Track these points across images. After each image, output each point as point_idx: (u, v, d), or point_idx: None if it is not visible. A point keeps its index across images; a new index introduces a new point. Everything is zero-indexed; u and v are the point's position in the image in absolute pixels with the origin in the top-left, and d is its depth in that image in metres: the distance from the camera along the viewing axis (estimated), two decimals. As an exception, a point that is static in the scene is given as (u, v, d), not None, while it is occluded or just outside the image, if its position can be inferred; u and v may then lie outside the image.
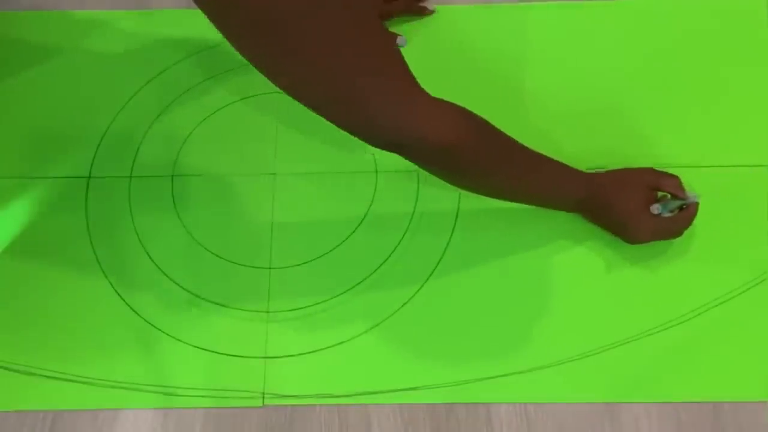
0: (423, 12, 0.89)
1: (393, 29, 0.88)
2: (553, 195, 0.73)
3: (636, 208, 0.72)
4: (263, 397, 0.71)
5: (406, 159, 0.61)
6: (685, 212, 0.72)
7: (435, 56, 0.87)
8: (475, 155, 0.62)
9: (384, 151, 0.82)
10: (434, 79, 0.85)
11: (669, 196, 0.73)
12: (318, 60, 0.51)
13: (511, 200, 0.72)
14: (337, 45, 0.51)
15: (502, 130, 0.65)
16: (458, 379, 0.71)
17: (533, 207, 0.78)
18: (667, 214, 0.71)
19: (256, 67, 0.54)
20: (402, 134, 0.57)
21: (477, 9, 0.90)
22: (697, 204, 0.72)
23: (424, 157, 0.61)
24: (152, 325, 0.74)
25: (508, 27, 0.89)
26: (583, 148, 0.81)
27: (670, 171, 0.77)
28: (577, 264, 0.76)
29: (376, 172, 0.81)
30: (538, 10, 0.89)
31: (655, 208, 0.71)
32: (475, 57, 0.87)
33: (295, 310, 0.74)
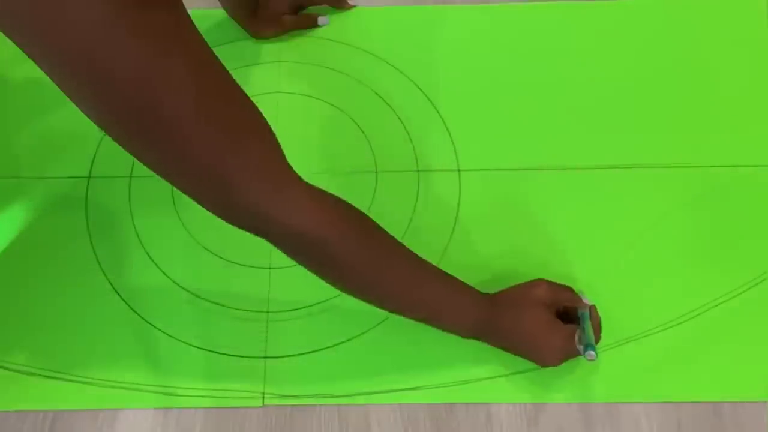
0: (341, 5, 0.89)
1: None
2: (444, 315, 0.66)
3: (535, 329, 0.67)
4: (263, 397, 0.71)
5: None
6: (592, 321, 0.68)
7: (435, 56, 0.87)
8: (346, 255, 0.57)
9: (384, 151, 0.83)
10: (434, 78, 0.85)
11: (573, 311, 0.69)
12: (178, 136, 0.46)
13: (393, 310, 0.64)
14: (200, 121, 0.46)
15: (384, 232, 0.60)
16: (458, 379, 0.71)
17: (533, 208, 0.78)
18: (582, 342, 0.65)
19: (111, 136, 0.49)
20: (265, 222, 0.53)
21: (477, 9, 0.90)
22: (594, 310, 0.69)
23: (289, 249, 0.56)
24: (152, 325, 0.74)
25: (509, 27, 0.89)
26: (582, 148, 0.81)
27: (671, 171, 0.77)
28: (577, 263, 0.76)
29: (376, 172, 0.81)
30: (538, 10, 0.89)
31: (581, 349, 0.64)
32: (475, 57, 0.87)
33: (295, 310, 0.74)
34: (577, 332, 0.67)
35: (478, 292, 0.67)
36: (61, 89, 0.46)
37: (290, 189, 0.53)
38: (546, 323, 0.67)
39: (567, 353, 0.68)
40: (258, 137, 0.52)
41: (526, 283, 0.70)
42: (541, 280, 0.70)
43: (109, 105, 0.46)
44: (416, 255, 0.63)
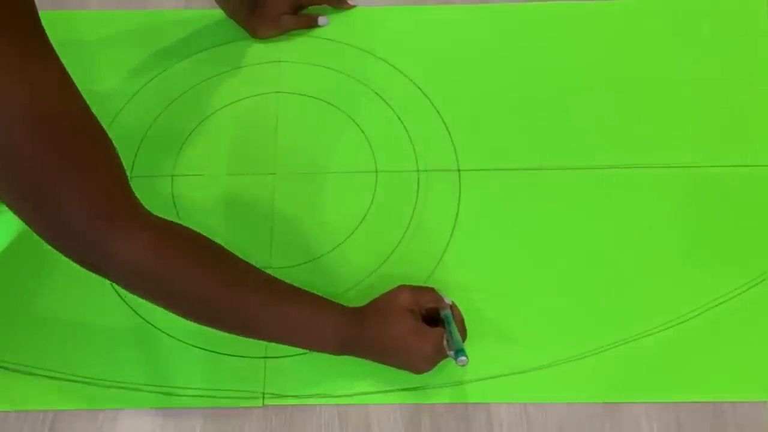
0: (341, 5, 0.89)
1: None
2: (303, 336, 0.64)
3: (405, 338, 0.65)
4: (263, 397, 0.71)
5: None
6: (458, 323, 0.68)
7: (435, 56, 0.87)
8: (183, 287, 0.56)
9: (384, 151, 0.83)
10: (434, 79, 0.85)
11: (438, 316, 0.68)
12: (9, 160, 0.45)
13: (247, 336, 0.64)
14: (35, 149, 0.45)
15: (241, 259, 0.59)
16: (458, 379, 0.71)
17: (533, 207, 0.78)
18: (452, 348, 0.64)
19: None
20: (92, 253, 0.51)
21: (477, 9, 0.90)
22: (455, 308, 0.68)
23: (123, 284, 0.55)
24: (152, 325, 0.74)
25: (509, 27, 0.89)
26: (582, 148, 0.81)
27: (671, 171, 0.77)
28: (577, 264, 0.76)
29: (376, 172, 0.81)
30: (538, 10, 0.89)
31: (452, 355, 0.63)
32: (475, 57, 0.87)
33: (295, 310, 0.74)
34: (445, 336, 0.65)
35: (342, 307, 0.66)
36: None
37: (125, 221, 0.52)
38: (413, 330, 0.65)
39: (437, 358, 0.66)
40: (99, 166, 0.50)
41: (388, 292, 0.68)
42: (402, 286, 0.68)
43: None
44: (269, 277, 0.62)
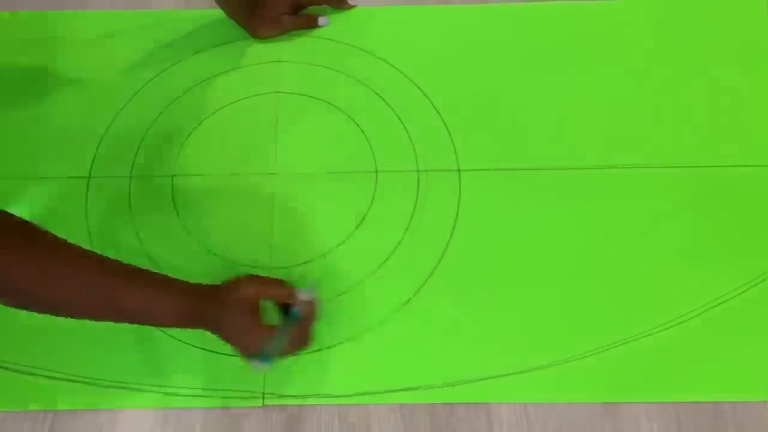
0: (341, 5, 0.90)
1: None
2: (143, 314, 0.64)
3: (235, 329, 0.64)
4: (263, 397, 0.71)
5: None
6: (299, 322, 0.66)
7: (435, 56, 0.87)
8: (23, 273, 0.56)
9: (384, 151, 0.83)
10: (434, 78, 0.85)
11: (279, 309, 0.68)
12: None
13: (91, 319, 0.64)
14: None
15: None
16: (458, 379, 0.71)
17: (533, 207, 0.78)
18: (284, 341, 0.64)
19: None
20: None
21: (477, 9, 0.90)
22: (313, 304, 0.67)
23: None
24: (152, 325, 0.74)
25: (509, 27, 0.89)
26: (582, 148, 0.81)
27: (671, 171, 0.77)
28: (577, 264, 0.76)
29: (376, 172, 0.81)
30: (538, 10, 0.89)
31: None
32: (475, 57, 0.87)
33: (295, 310, 0.74)
34: (275, 332, 0.64)
35: (185, 285, 0.65)
36: None
37: None
38: (242, 324, 0.64)
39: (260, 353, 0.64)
40: None
41: (234, 279, 0.66)
42: (251, 276, 0.67)
43: None
44: (105, 260, 0.62)
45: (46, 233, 0.60)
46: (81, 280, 0.60)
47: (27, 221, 0.59)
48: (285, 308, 0.67)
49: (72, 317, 0.63)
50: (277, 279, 0.69)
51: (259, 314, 0.65)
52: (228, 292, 0.65)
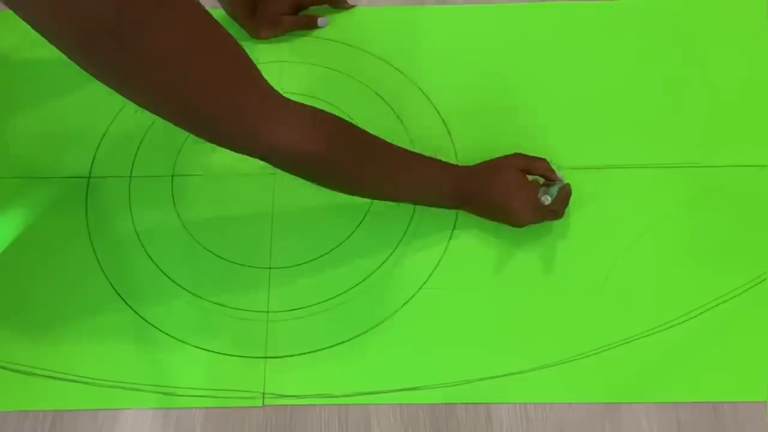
0: (341, 5, 0.90)
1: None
2: (426, 190, 0.73)
3: (510, 189, 0.73)
4: (263, 397, 0.71)
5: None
6: (562, 194, 0.73)
7: (435, 56, 0.87)
8: (336, 162, 0.63)
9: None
10: (434, 79, 0.85)
11: (541, 181, 0.75)
12: (172, 69, 0.50)
13: (384, 199, 0.74)
14: (192, 54, 0.51)
15: (374, 134, 0.67)
16: (458, 379, 0.71)
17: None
18: (554, 199, 0.71)
19: (105, 81, 0.52)
20: (259, 146, 0.58)
21: (477, 9, 0.90)
22: (568, 185, 0.74)
23: (286, 166, 0.63)
24: (152, 325, 0.74)
25: (508, 27, 0.89)
26: (582, 148, 0.81)
27: (671, 171, 0.77)
28: (577, 264, 0.76)
29: (376, 172, 0.81)
30: (538, 10, 0.89)
31: (545, 199, 0.70)
32: (475, 57, 0.87)
33: (295, 310, 0.74)
34: (541, 188, 0.72)
35: (455, 165, 0.75)
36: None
37: (278, 112, 0.58)
38: (516, 183, 0.73)
39: (539, 212, 0.73)
40: (244, 69, 0.56)
41: (503, 156, 0.75)
42: (517, 153, 0.75)
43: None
44: (393, 145, 0.69)
45: (361, 131, 0.67)
46: (386, 164, 0.69)
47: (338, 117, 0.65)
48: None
49: (369, 196, 0.74)
50: (539, 156, 0.75)
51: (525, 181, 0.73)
52: (498, 163, 0.74)
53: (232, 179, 0.81)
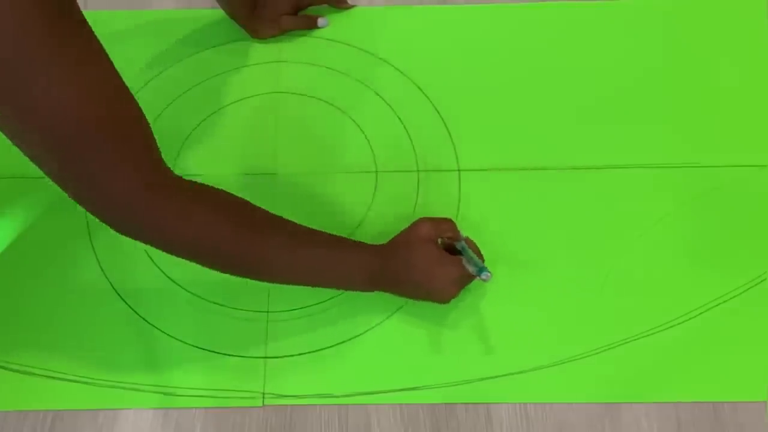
0: (341, 5, 0.90)
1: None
2: (334, 276, 0.68)
3: (431, 269, 0.68)
4: (263, 397, 0.71)
5: None
6: (474, 250, 0.72)
7: (435, 56, 0.87)
8: (220, 245, 0.60)
9: (384, 152, 0.83)
10: (434, 78, 0.85)
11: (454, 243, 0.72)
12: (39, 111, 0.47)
13: (283, 283, 0.67)
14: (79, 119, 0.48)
15: (267, 210, 0.64)
16: (458, 379, 0.71)
17: (533, 207, 0.78)
18: (474, 266, 0.68)
19: None
20: (132, 223, 0.55)
21: (477, 9, 0.90)
22: (468, 238, 0.72)
23: (162, 248, 0.59)
24: (152, 325, 0.74)
25: (509, 27, 0.89)
26: (582, 148, 0.81)
27: (671, 171, 0.76)
28: (576, 264, 0.76)
29: (376, 172, 0.81)
30: (538, 10, 0.89)
31: (475, 271, 0.67)
32: (475, 57, 0.87)
33: (295, 310, 0.74)
34: (463, 260, 0.69)
35: (368, 245, 0.70)
36: None
37: (161, 190, 0.55)
38: (436, 258, 0.68)
39: (462, 281, 0.70)
40: (131, 146, 0.53)
41: (409, 225, 0.71)
42: (422, 218, 0.71)
43: None
44: (296, 225, 0.66)
45: (255, 210, 0.64)
46: (289, 254, 0.65)
47: (241, 199, 0.63)
48: (445, 246, 0.72)
49: (273, 282, 0.67)
50: (443, 217, 0.72)
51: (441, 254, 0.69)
52: (409, 238, 0.70)
53: (233, 179, 0.81)
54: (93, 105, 0.49)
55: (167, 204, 0.56)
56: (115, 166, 0.51)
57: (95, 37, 0.51)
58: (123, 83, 0.52)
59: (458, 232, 0.72)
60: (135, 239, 0.58)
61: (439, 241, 0.71)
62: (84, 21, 0.50)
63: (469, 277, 0.70)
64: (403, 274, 0.69)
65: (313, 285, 0.69)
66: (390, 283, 0.70)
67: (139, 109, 0.54)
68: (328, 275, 0.68)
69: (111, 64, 0.51)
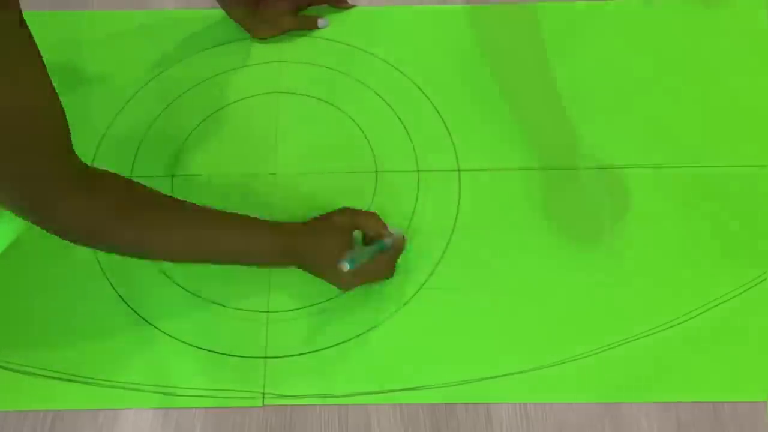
0: (341, 5, 0.90)
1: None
2: (247, 253, 0.69)
3: (330, 256, 0.67)
4: (263, 397, 0.71)
5: None
6: (391, 252, 0.70)
7: (435, 56, 0.87)
8: (124, 233, 0.61)
9: (384, 151, 0.83)
10: (434, 79, 0.85)
11: (362, 240, 0.72)
12: None
13: (196, 263, 0.70)
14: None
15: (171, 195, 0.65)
16: (458, 379, 0.71)
17: (533, 207, 0.78)
18: (359, 265, 0.65)
19: None
20: (37, 215, 0.56)
21: (477, 9, 0.90)
22: (402, 239, 0.71)
23: (70, 239, 0.60)
24: (152, 325, 0.74)
25: (508, 27, 0.89)
26: (582, 148, 0.81)
27: (671, 171, 0.76)
28: (577, 264, 0.76)
29: (376, 172, 0.81)
30: (538, 10, 0.89)
31: (342, 266, 0.63)
32: (475, 57, 0.87)
33: (295, 310, 0.74)
34: (354, 251, 0.67)
35: (282, 224, 0.71)
36: None
37: (63, 180, 0.55)
38: (334, 247, 0.68)
39: (359, 278, 0.70)
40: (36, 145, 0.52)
41: (331, 212, 0.72)
42: (344, 207, 0.72)
43: None
44: (203, 208, 0.67)
45: (150, 193, 0.65)
46: (184, 232, 0.66)
47: (132, 181, 0.64)
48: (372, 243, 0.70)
49: (174, 261, 0.69)
50: (368, 212, 0.72)
51: (349, 245, 0.70)
52: (321, 222, 0.71)
53: (233, 179, 0.81)
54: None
55: (69, 203, 0.56)
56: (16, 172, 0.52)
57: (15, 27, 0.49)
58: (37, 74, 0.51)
59: (382, 229, 0.71)
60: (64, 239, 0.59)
61: (358, 233, 0.72)
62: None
63: (373, 275, 0.71)
64: (309, 256, 0.70)
65: (227, 263, 0.70)
66: (298, 260, 0.71)
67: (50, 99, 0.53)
68: (244, 255, 0.69)
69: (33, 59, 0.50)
